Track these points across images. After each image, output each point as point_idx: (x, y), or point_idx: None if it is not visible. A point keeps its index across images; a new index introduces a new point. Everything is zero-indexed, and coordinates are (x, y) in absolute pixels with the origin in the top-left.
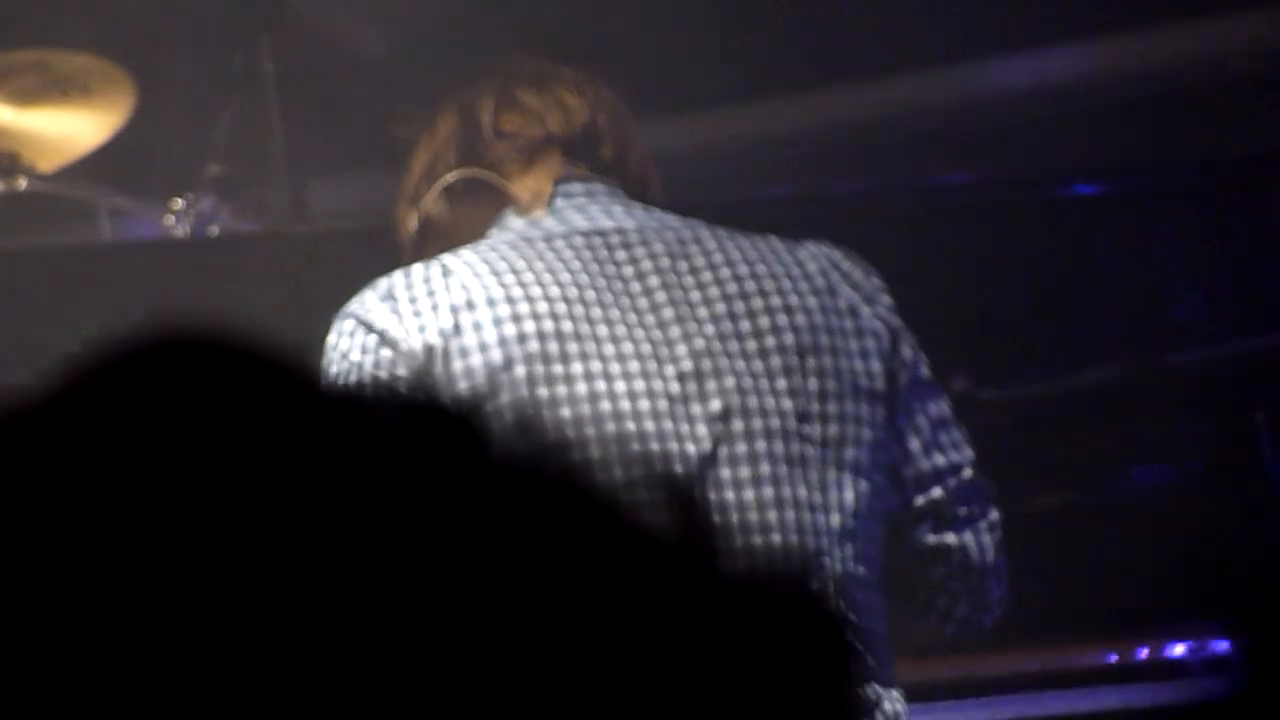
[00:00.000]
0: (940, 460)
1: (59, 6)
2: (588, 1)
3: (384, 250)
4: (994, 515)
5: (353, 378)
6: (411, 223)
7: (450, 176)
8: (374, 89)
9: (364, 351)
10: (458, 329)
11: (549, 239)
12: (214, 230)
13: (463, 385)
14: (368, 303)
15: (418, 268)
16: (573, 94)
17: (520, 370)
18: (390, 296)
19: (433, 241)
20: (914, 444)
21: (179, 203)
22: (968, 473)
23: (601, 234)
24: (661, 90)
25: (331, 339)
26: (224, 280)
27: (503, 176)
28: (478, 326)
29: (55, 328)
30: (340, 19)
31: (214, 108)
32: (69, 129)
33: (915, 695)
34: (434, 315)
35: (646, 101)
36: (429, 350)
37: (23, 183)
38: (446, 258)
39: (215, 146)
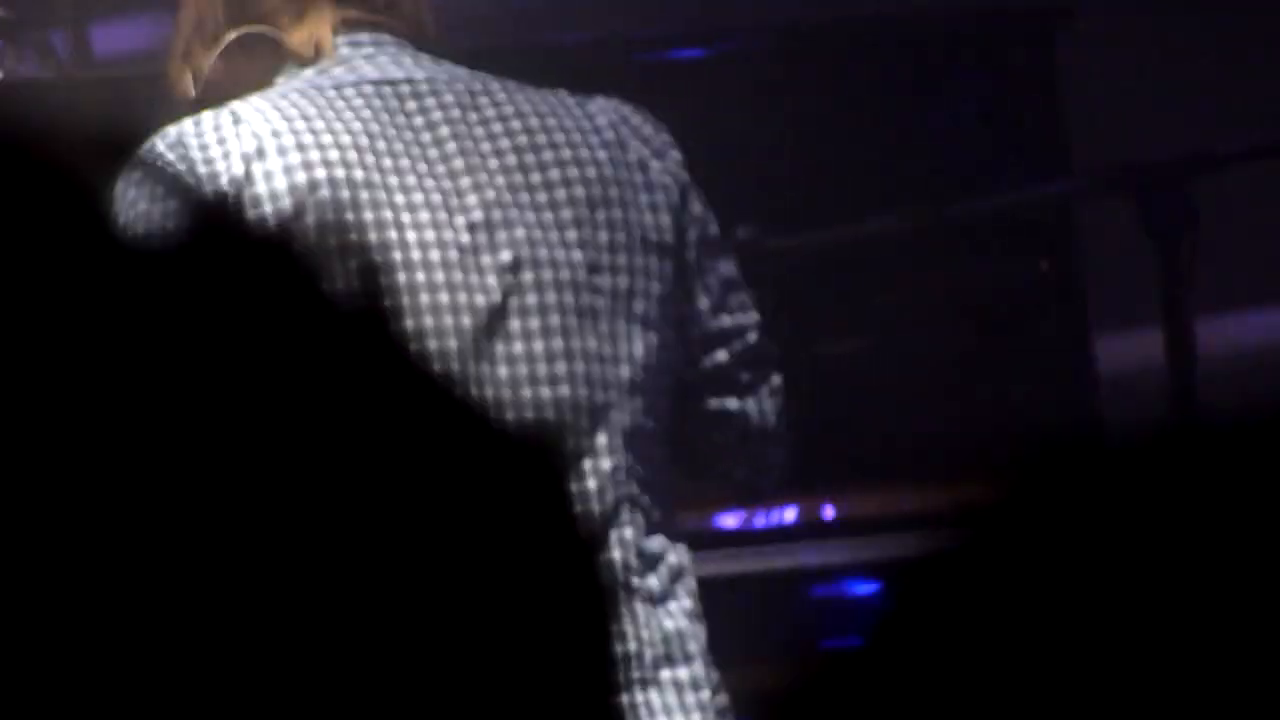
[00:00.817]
0: (727, 321)
1: None
2: None
3: (171, 98)
4: (776, 380)
5: (140, 227)
6: (186, 82)
7: (230, 34)
8: None
9: (152, 200)
10: (249, 177)
11: (339, 87)
12: None
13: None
14: (157, 148)
15: (207, 115)
16: None
17: (310, 219)
18: (180, 144)
19: (211, 100)
20: (703, 303)
21: None
22: (753, 336)
23: (391, 83)
24: None
25: (120, 186)
26: (8, 126)
27: (277, 29)
28: (268, 176)
29: None
30: None
31: None
32: None
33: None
34: (225, 163)
35: None
36: (220, 197)
37: None
38: (236, 105)
39: None
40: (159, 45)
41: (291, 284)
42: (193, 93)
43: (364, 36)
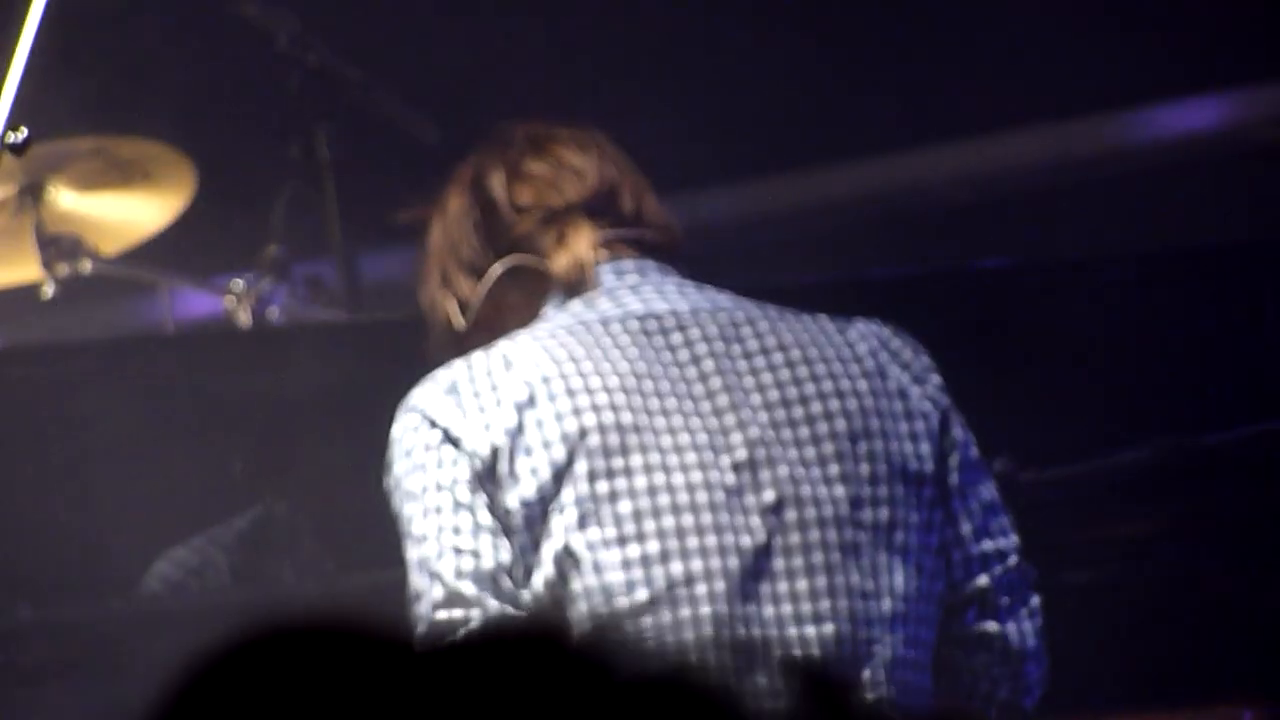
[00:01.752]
0: (989, 546)
1: (124, 93)
2: (620, 94)
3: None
4: (1034, 601)
5: (416, 480)
6: (452, 310)
7: (498, 268)
8: (427, 171)
9: (427, 449)
10: (521, 427)
11: (605, 322)
12: (273, 310)
13: (527, 484)
14: (431, 396)
15: (479, 359)
16: (576, 153)
17: (582, 465)
18: (454, 390)
19: (477, 329)
20: (965, 528)
21: (239, 283)
22: (1013, 560)
23: (656, 317)
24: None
25: (396, 431)
26: (283, 365)
27: (537, 254)
28: (540, 424)
29: (119, 415)
30: (395, 105)
31: (272, 190)
32: (131, 213)
33: None
34: (498, 411)
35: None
36: (494, 451)
37: (87, 265)
38: (507, 347)
39: (275, 228)
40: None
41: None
42: (461, 323)
43: (627, 264)
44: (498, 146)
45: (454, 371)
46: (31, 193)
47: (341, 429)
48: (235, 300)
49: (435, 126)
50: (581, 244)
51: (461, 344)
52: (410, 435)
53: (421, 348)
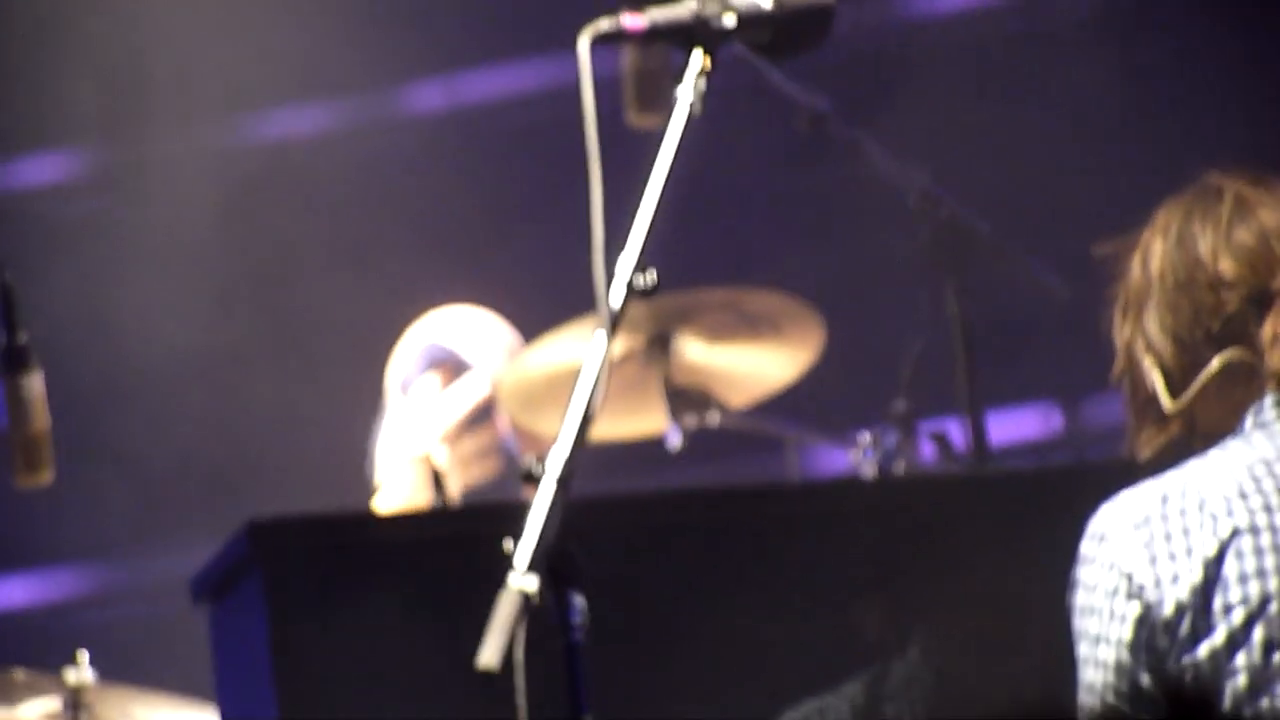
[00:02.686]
0: None
1: (747, 245)
2: None
3: (1066, 492)
4: None
5: (1092, 623)
6: (1155, 379)
7: (1216, 363)
8: (1056, 329)
9: (1107, 595)
10: (1205, 586)
11: None
12: (899, 466)
13: (1202, 647)
14: (1121, 530)
15: (1174, 495)
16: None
17: (1259, 633)
18: (1145, 524)
19: (1175, 415)
20: None
21: (865, 437)
22: None
23: None
24: None
25: (1086, 550)
26: (923, 519)
27: (1245, 342)
28: (1224, 586)
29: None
30: (1025, 262)
31: (898, 344)
32: (759, 365)
33: None
34: (1187, 563)
35: None
36: (1178, 608)
37: (715, 418)
38: (1199, 481)
39: (902, 382)
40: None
41: None
42: (1168, 403)
43: None
44: (1203, 201)
45: (1146, 504)
46: (660, 343)
47: (968, 579)
48: (861, 455)
49: (1065, 285)
50: None
51: (1158, 421)
52: (1094, 571)
53: (1047, 501)
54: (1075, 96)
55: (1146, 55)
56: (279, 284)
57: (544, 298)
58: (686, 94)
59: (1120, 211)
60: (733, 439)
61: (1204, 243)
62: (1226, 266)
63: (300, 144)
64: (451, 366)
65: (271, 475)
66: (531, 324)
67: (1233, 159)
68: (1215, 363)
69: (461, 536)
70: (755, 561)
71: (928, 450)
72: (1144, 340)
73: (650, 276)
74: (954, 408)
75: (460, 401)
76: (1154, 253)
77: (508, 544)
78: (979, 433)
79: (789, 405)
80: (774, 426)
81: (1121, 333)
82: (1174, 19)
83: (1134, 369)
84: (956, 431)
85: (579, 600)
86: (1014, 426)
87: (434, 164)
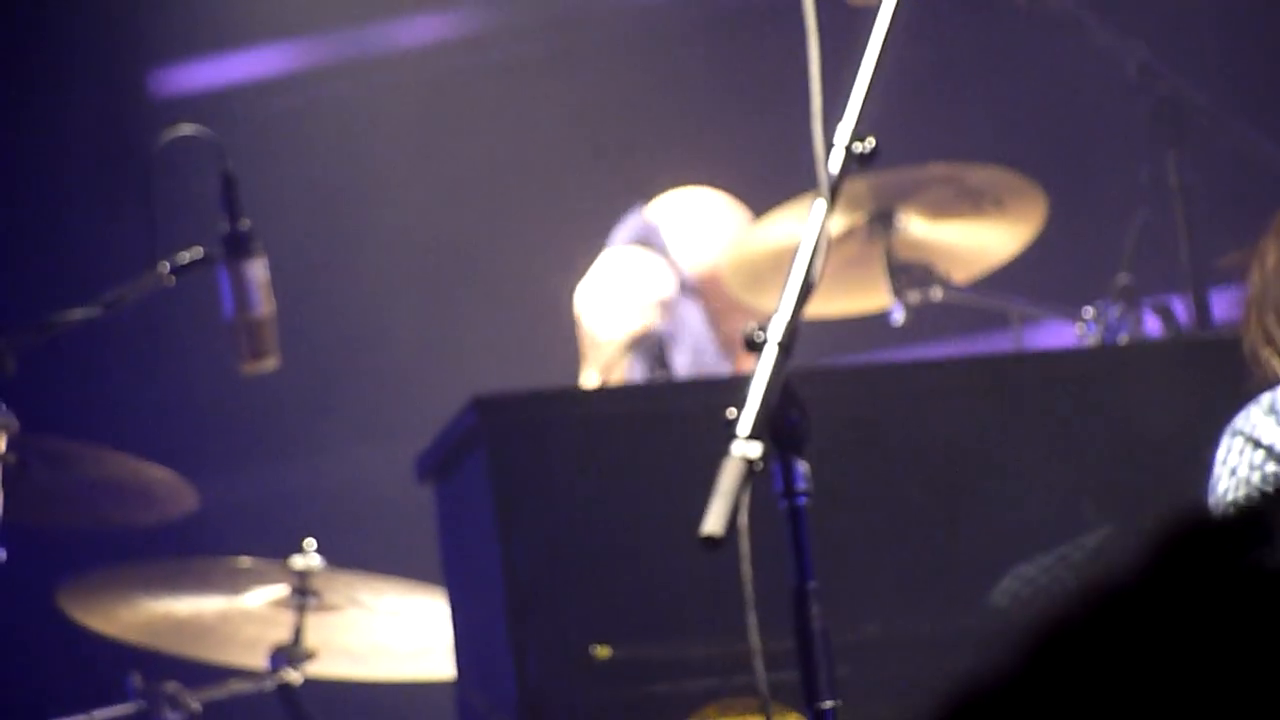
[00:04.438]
0: None
1: (972, 119)
2: None
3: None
4: None
5: (1240, 493)
6: (1275, 367)
7: None
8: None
9: (1251, 468)
10: None
11: None
12: (1123, 339)
13: None
14: (1254, 418)
15: None
16: None
17: None
18: (1274, 410)
19: None
20: None
21: (1089, 311)
22: None
23: None
24: None
25: (1220, 454)
26: (1133, 390)
27: None
28: None
29: (978, 431)
30: (1246, 135)
31: (1121, 217)
32: (982, 241)
33: None
34: None
35: None
36: None
37: (939, 293)
38: None
39: (1125, 256)
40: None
41: None
42: (1265, 357)
43: None
44: None
45: (1276, 395)
46: (882, 220)
47: (1184, 452)
48: (1085, 329)
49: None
50: None
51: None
52: (1234, 456)
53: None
54: None
55: None
56: (507, 175)
57: (775, 176)
58: None
59: None
60: (956, 314)
61: None
62: None
63: (514, 32)
64: (654, 247)
65: (493, 360)
66: (765, 204)
67: None
68: None
69: (682, 410)
70: (987, 427)
71: (1152, 325)
72: (1264, 335)
73: (869, 143)
74: (1177, 283)
75: (636, 306)
76: (1269, 258)
77: (730, 412)
78: (1202, 306)
79: (1012, 280)
80: (997, 301)
81: (1249, 337)
82: None
83: (1266, 371)
84: (1180, 306)
85: (803, 466)
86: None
87: (661, 49)
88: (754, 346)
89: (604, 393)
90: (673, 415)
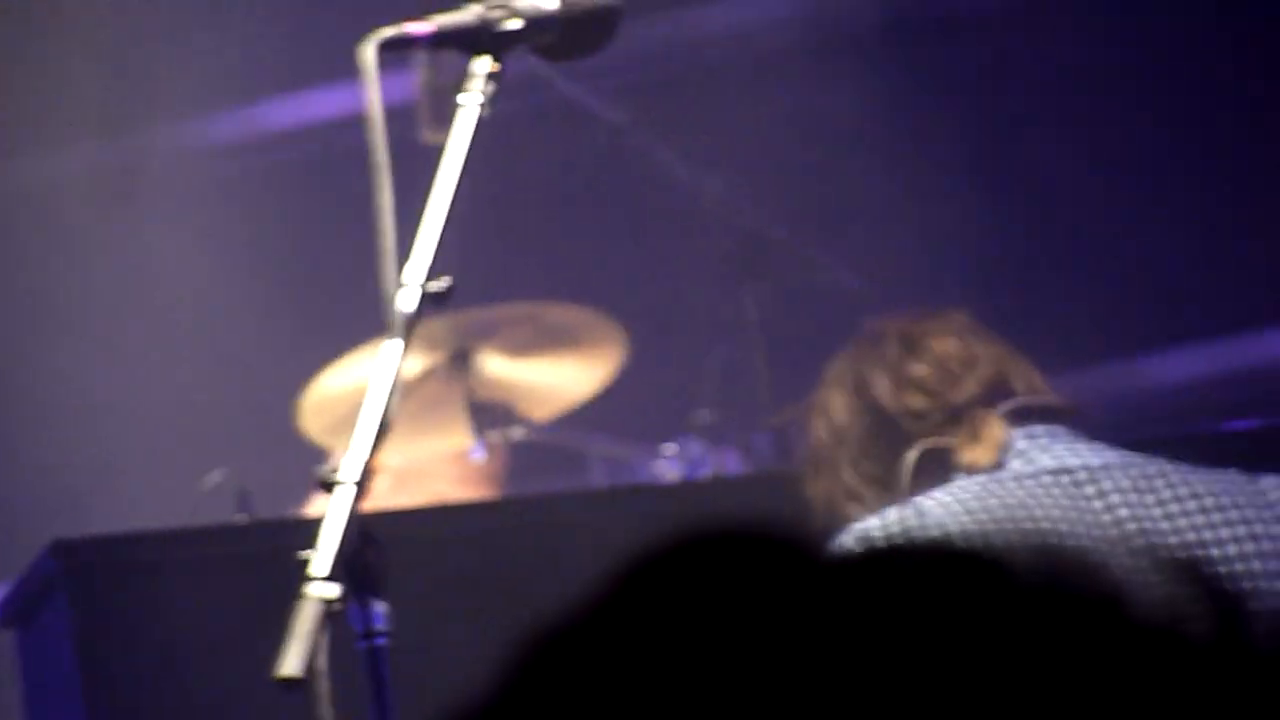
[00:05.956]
0: None
1: (552, 259)
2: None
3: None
4: None
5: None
6: (838, 499)
7: (912, 455)
8: (851, 323)
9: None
10: None
11: (1018, 479)
12: (705, 475)
13: None
14: (845, 547)
15: (893, 514)
16: (955, 345)
17: None
18: (867, 540)
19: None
20: None
21: (670, 448)
22: None
23: (1069, 471)
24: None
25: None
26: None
27: (948, 446)
28: None
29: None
30: (820, 265)
31: (703, 353)
32: (562, 379)
33: None
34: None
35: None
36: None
37: (519, 432)
38: (920, 500)
39: (705, 393)
40: None
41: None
42: (848, 511)
43: (1038, 429)
44: (870, 348)
45: (868, 528)
46: (461, 359)
47: None
48: (666, 466)
49: (867, 285)
50: (995, 433)
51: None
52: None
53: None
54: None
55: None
56: None
57: (346, 317)
58: (474, 99)
59: (918, 206)
60: (537, 453)
61: (882, 387)
62: (911, 399)
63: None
64: None
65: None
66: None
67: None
68: (912, 453)
69: (264, 550)
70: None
71: (733, 461)
72: (845, 491)
73: (444, 282)
74: (761, 417)
75: None
76: (833, 409)
77: (304, 554)
78: (785, 441)
79: (593, 418)
80: (577, 440)
81: (818, 490)
82: (977, 33)
83: (837, 518)
84: (764, 442)
85: (381, 606)
86: None
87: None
88: (328, 487)
89: (185, 535)
90: (256, 557)
